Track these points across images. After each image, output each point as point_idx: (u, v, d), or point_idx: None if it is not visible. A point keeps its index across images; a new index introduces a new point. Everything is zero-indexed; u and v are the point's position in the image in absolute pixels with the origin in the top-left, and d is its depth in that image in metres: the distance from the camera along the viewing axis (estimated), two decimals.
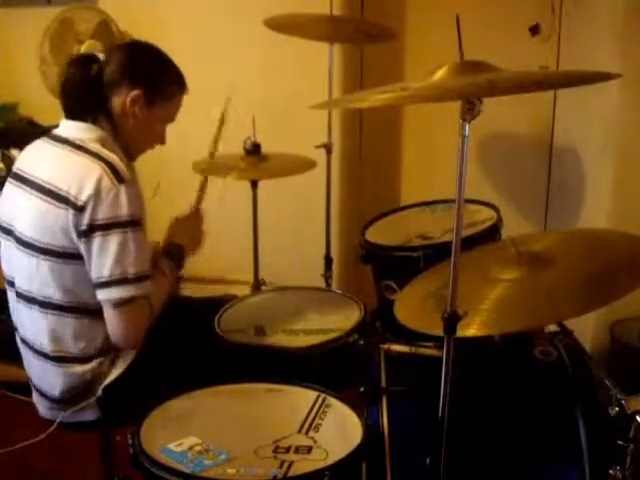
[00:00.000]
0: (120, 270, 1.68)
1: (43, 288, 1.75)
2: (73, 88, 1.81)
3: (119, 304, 1.70)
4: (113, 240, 1.66)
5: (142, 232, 1.72)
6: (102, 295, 1.70)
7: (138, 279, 1.70)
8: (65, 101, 1.82)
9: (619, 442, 1.47)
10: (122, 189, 1.66)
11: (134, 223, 1.68)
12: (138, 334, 1.77)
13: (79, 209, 1.66)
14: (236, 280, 2.64)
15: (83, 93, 1.79)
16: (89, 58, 1.82)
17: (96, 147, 1.73)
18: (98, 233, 1.66)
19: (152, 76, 1.83)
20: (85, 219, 1.66)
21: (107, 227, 1.66)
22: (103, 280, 1.68)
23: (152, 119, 1.84)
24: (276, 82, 2.98)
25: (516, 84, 1.32)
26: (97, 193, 1.65)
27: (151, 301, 1.77)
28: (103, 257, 1.67)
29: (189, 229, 2.03)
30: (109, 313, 1.72)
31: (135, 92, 1.78)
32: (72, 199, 1.66)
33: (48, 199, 1.70)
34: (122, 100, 1.79)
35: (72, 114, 1.80)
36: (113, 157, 1.71)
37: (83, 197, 1.65)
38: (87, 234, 1.67)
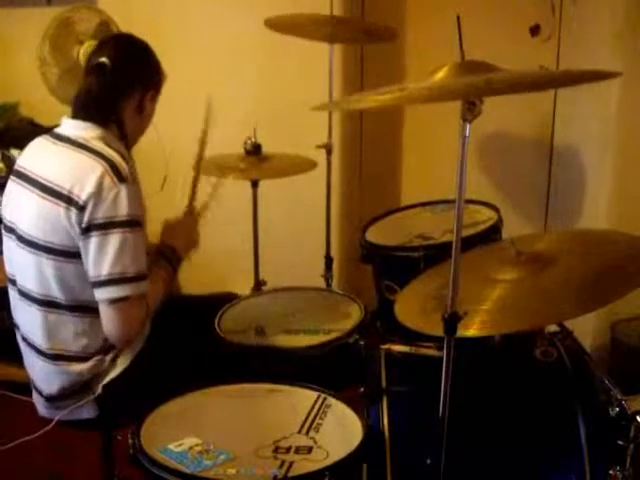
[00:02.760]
0: (118, 270, 1.68)
1: (45, 287, 1.75)
2: (90, 98, 1.80)
3: (115, 302, 1.71)
4: (112, 240, 1.67)
5: (141, 231, 1.73)
6: (100, 294, 1.71)
7: (136, 278, 1.71)
8: (80, 109, 1.81)
9: (619, 442, 1.47)
10: (123, 188, 1.67)
11: (133, 223, 1.69)
12: (131, 332, 1.78)
13: (80, 208, 1.66)
14: (236, 281, 2.64)
15: (100, 103, 1.79)
16: (101, 66, 1.80)
17: (99, 145, 1.74)
18: (97, 232, 1.67)
19: (156, 73, 1.89)
20: (85, 217, 1.66)
21: (106, 226, 1.67)
22: (102, 279, 1.69)
23: (155, 105, 1.91)
24: (276, 82, 2.98)
25: (514, 84, 1.32)
26: (98, 192, 1.66)
27: (147, 300, 1.78)
28: (102, 256, 1.67)
29: (182, 230, 2.03)
30: (105, 311, 1.73)
31: (151, 92, 1.87)
32: (74, 198, 1.67)
33: (50, 198, 1.70)
34: (136, 103, 1.84)
35: (83, 117, 1.79)
36: (115, 156, 1.72)
37: (84, 196, 1.66)
38: (86, 232, 1.67)
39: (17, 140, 2.86)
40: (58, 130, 1.82)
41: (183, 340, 1.92)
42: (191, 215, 2.08)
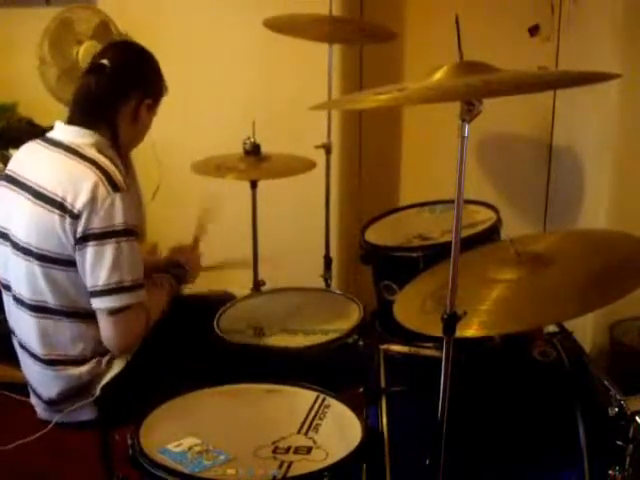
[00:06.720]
0: (115, 279, 1.68)
1: (39, 293, 1.75)
2: (87, 98, 1.81)
3: (114, 312, 1.71)
4: (108, 249, 1.66)
5: (136, 240, 1.72)
6: (97, 303, 1.71)
7: (133, 287, 1.71)
8: (76, 109, 1.81)
9: (618, 443, 1.47)
10: (117, 197, 1.66)
11: (129, 232, 1.69)
12: (132, 341, 1.77)
13: (74, 216, 1.66)
14: (235, 280, 2.64)
15: (96, 103, 1.79)
16: (101, 67, 1.80)
17: (92, 153, 1.73)
18: (93, 242, 1.66)
19: (155, 83, 1.89)
20: (80, 227, 1.66)
21: (102, 236, 1.66)
22: (98, 289, 1.68)
23: (152, 117, 1.90)
24: (276, 83, 2.98)
25: (512, 84, 1.32)
26: (92, 201, 1.65)
27: (147, 308, 1.78)
28: (98, 266, 1.67)
29: (189, 256, 2.11)
30: (103, 320, 1.73)
31: (148, 101, 1.85)
32: (68, 206, 1.66)
33: (43, 204, 1.70)
34: (131, 109, 1.83)
35: (78, 121, 1.79)
36: (108, 164, 1.71)
37: (78, 205, 1.65)
38: (81, 242, 1.67)
39: (16, 140, 2.85)
40: (51, 135, 1.81)
41: (182, 340, 1.92)
42: (196, 245, 2.19)
